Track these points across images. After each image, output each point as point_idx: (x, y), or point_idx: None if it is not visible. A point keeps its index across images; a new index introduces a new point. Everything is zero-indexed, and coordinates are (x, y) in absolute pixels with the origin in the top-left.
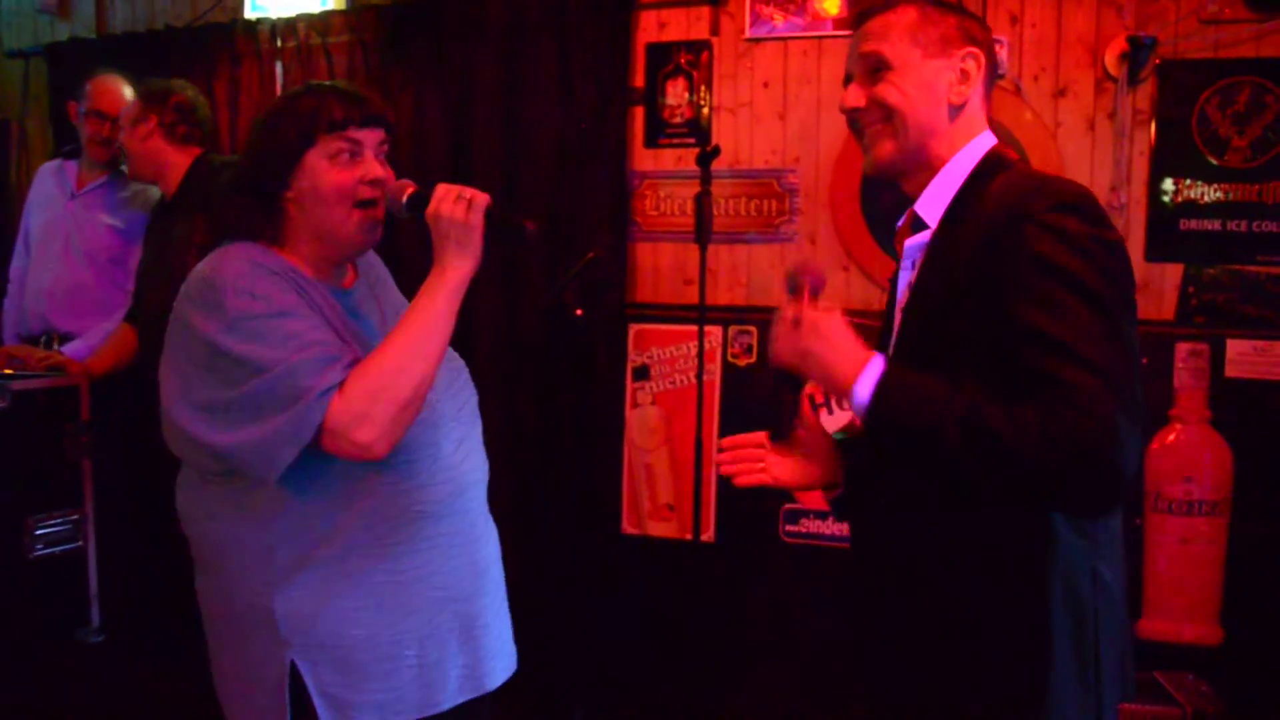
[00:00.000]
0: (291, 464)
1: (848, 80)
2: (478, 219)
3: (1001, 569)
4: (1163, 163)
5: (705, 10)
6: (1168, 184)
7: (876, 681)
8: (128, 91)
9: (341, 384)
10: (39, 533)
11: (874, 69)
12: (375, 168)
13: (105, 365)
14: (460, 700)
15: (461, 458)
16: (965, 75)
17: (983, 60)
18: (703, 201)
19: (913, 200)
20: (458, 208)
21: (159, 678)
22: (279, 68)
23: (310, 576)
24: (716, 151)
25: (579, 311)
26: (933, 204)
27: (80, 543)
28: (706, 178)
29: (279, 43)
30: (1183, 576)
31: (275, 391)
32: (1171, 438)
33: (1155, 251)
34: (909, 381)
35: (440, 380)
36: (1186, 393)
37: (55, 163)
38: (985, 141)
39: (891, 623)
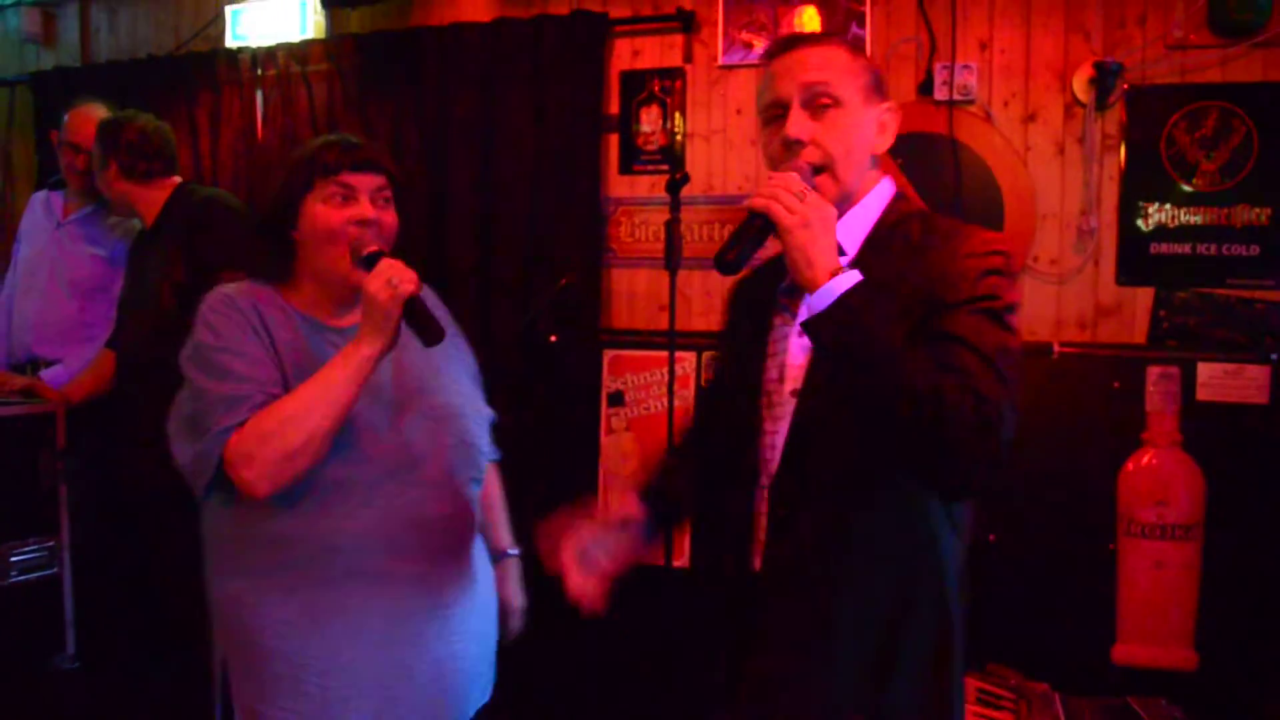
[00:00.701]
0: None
1: (782, 106)
2: (396, 309)
3: (914, 571)
4: (1132, 187)
5: (678, 38)
6: (1137, 208)
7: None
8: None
9: (243, 424)
10: (14, 559)
11: (818, 101)
12: (366, 210)
13: (83, 392)
14: None
15: (405, 500)
16: (883, 127)
17: (897, 114)
18: (672, 228)
19: None
20: (383, 290)
21: (134, 705)
22: (259, 96)
23: (247, 574)
24: (686, 179)
25: (553, 338)
26: (849, 234)
27: (55, 569)
28: (676, 205)
29: (259, 71)
30: (1157, 601)
31: (200, 419)
32: (1144, 461)
33: (1126, 275)
34: (879, 300)
35: (390, 426)
36: (1158, 416)
37: (44, 193)
38: (888, 187)
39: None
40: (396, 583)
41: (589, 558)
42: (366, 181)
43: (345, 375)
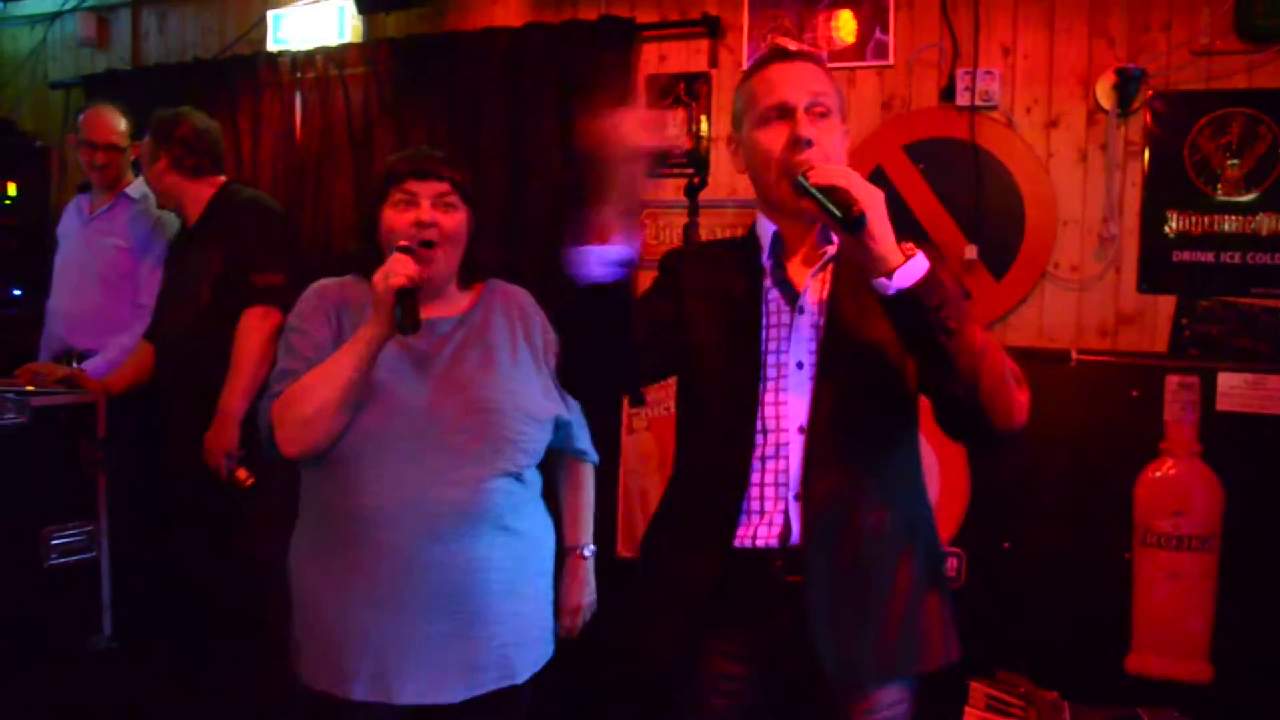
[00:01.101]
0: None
1: (787, 109)
2: (389, 297)
3: (917, 516)
4: (1155, 194)
5: (704, 43)
6: (1160, 215)
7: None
8: (118, 121)
9: (280, 393)
10: (54, 543)
11: (817, 109)
12: (425, 213)
13: (124, 383)
14: (369, 700)
15: (419, 481)
16: (847, 142)
17: (849, 136)
18: (690, 232)
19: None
20: (379, 280)
21: (168, 686)
22: (298, 98)
23: (299, 530)
24: (703, 184)
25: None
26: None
27: (94, 553)
28: (694, 209)
29: (299, 74)
30: (1172, 612)
31: (269, 386)
32: (1161, 471)
33: (1148, 283)
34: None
35: (424, 413)
36: (1176, 426)
37: (76, 198)
38: None
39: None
40: (406, 554)
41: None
42: (428, 188)
43: (349, 353)
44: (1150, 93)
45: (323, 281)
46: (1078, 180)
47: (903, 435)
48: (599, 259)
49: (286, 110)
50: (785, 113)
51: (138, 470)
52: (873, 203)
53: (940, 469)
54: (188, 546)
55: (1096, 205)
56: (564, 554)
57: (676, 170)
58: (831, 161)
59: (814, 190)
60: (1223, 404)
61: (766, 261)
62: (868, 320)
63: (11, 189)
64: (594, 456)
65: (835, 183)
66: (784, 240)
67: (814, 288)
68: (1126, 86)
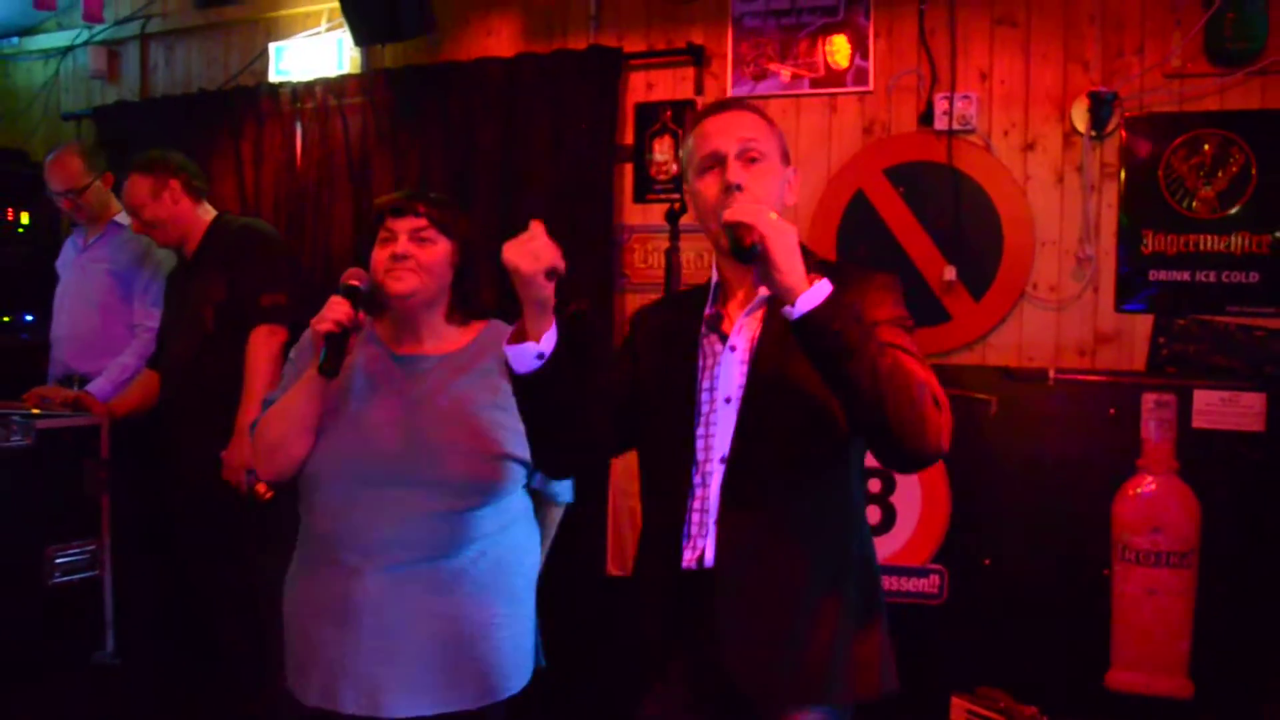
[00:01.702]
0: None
1: (719, 158)
2: (318, 340)
3: (845, 543)
4: (1131, 214)
5: (690, 71)
6: (1137, 235)
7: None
8: (72, 163)
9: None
10: (58, 561)
11: (748, 155)
12: (400, 246)
13: (128, 408)
14: (322, 706)
15: (363, 512)
16: (790, 186)
17: (798, 178)
18: (671, 257)
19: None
20: (315, 322)
21: (168, 697)
22: (299, 127)
23: (296, 548)
24: (684, 209)
25: (584, 304)
26: None
27: (97, 571)
28: (675, 234)
29: (299, 104)
30: (1150, 628)
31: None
32: (1139, 488)
33: (1125, 302)
34: (847, 305)
35: (391, 445)
36: (1153, 443)
37: (73, 232)
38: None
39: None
40: (370, 577)
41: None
42: (404, 224)
43: (298, 389)
44: (1125, 115)
45: None
46: (1055, 202)
47: (830, 472)
48: (518, 356)
49: (288, 139)
50: (718, 160)
51: (140, 492)
52: (776, 236)
53: (921, 489)
54: (193, 564)
55: (1074, 226)
56: None
57: (664, 195)
58: (762, 203)
59: (724, 226)
60: (1199, 421)
61: (709, 306)
62: (794, 358)
63: (25, 218)
64: (565, 497)
65: (740, 219)
66: (726, 283)
67: (747, 326)
68: (1100, 109)
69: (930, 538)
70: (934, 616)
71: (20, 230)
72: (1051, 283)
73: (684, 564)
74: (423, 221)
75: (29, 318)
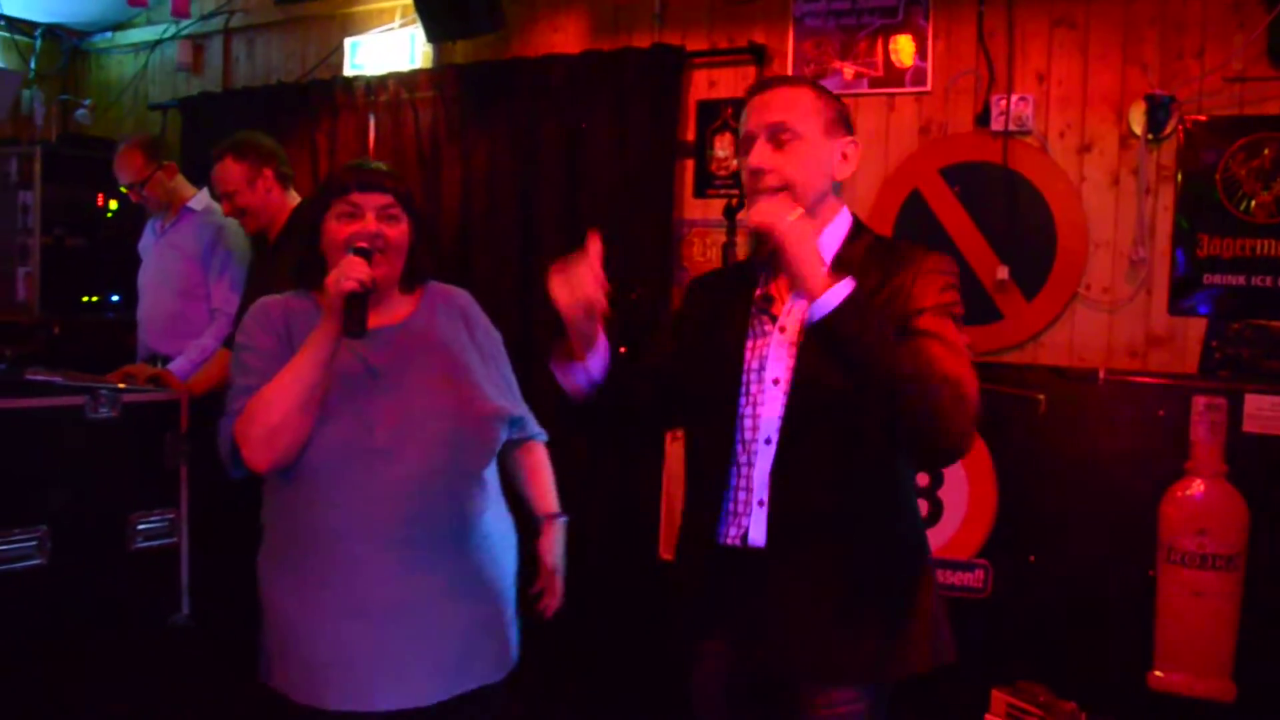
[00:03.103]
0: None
1: (750, 141)
2: (338, 300)
3: (896, 527)
4: (1187, 217)
5: (752, 69)
6: (1192, 238)
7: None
8: (132, 158)
9: (241, 409)
10: (140, 528)
11: (780, 135)
12: (370, 224)
13: (206, 385)
14: (345, 709)
15: (380, 491)
16: (845, 158)
17: (858, 147)
18: (728, 251)
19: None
20: (332, 283)
21: (240, 658)
22: (372, 120)
23: (269, 544)
24: (740, 205)
25: (623, 349)
26: (824, 249)
27: (175, 539)
28: (732, 229)
29: (372, 97)
30: (1195, 630)
31: (225, 407)
32: (1187, 490)
33: (1178, 305)
34: (869, 302)
35: (380, 423)
36: (1202, 446)
37: (151, 218)
38: (848, 215)
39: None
40: (374, 564)
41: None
42: (371, 200)
43: (304, 357)
44: (1182, 118)
45: (265, 299)
46: (1110, 204)
47: (877, 454)
48: (564, 375)
49: (361, 131)
50: (750, 141)
51: (215, 464)
52: (793, 241)
53: (968, 484)
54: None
55: (1128, 228)
56: (540, 522)
57: (724, 191)
58: (791, 181)
59: (749, 232)
60: (1250, 425)
61: (760, 284)
62: None
63: (113, 204)
64: (543, 434)
65: (758, 222)
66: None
67: (798, 309)
68: (1158, 112)
69: (976, 532)
70: (977, 610)
71: (109, 215)
72: (1104, 284)
73: (727, 540)
74: (389, 198)
75: (115, 298)
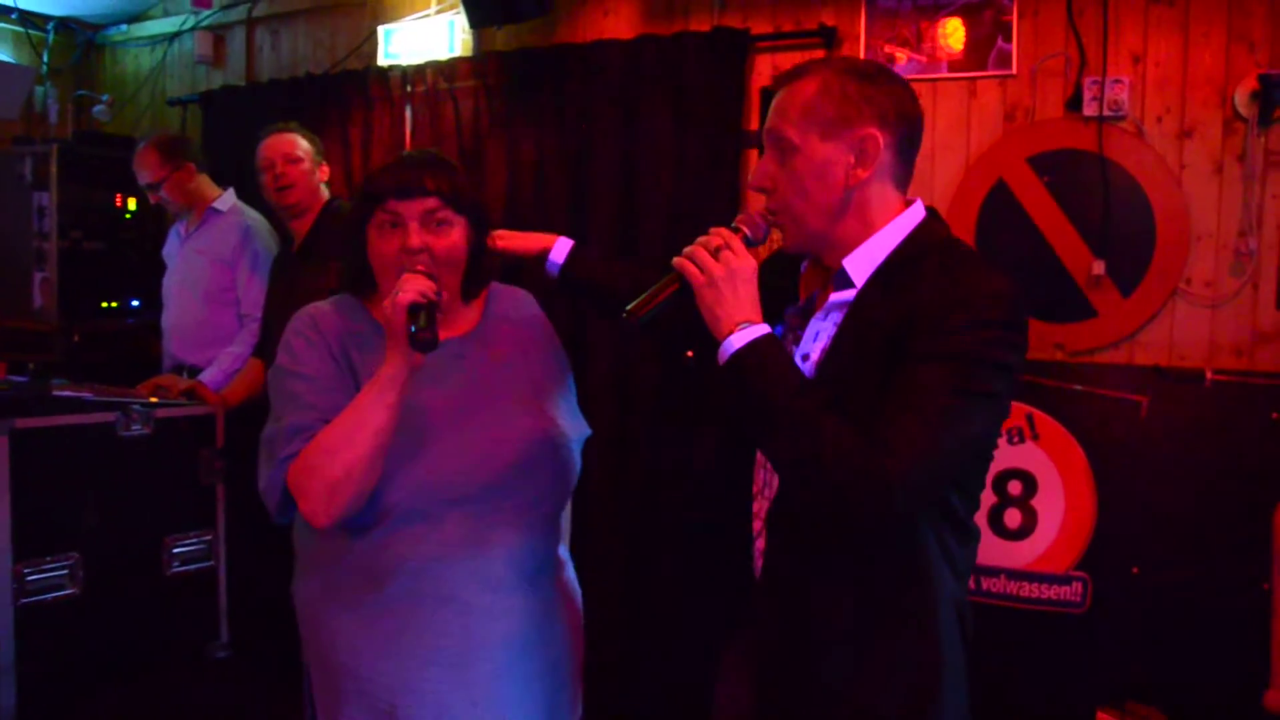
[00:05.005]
0: (282, 506)
1: (762, 151)
2: (400, 315)
3: (898, 603)
4: None
5: (820, 54)
6: None
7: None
8: (149, 159)
9: (295, 454)
10: (176, 551)
11: (779, 147)
12: (414, 237)
13: (240, 396)
14: None
15: (467, 532)
16: (863, 155)
17: (882, 140)
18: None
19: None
20: (388, 304)
21: (280, 692)
22: (409, 111)
23: (322, 583)
24: None
25: (689, 354)
26: (860, 265)
27: (212, 562)
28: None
29: (409, 88)
30: None
31: (271, 445)
32: None
33: None
34: (778, 357)
35: (462, 452)
36: None
37: (176, 221)
38: (916, 213)
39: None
40: (464, 609)
41: None
42: (413, 208)
43: (372, 398)
44: None
45: (311, 308)
46: (1213, 193)
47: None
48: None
49: (396, 123)
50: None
51: (254, 482)
52: (700, 285)
53: (1065, 492)
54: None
55: (1233, 219)
56: None
57: None
58: (791, 203)
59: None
60: None
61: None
62: (861, 385)
63: (132, 204)
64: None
65: (675, 263)
66: (811, 270)
67: (824, 332)
68: (1269, 93)
69: (1074, 544)
70: (1075, 626)
71: (128, 216)
72: (1207, 278)
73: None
74: (434, 201)
75: (135, 303)
